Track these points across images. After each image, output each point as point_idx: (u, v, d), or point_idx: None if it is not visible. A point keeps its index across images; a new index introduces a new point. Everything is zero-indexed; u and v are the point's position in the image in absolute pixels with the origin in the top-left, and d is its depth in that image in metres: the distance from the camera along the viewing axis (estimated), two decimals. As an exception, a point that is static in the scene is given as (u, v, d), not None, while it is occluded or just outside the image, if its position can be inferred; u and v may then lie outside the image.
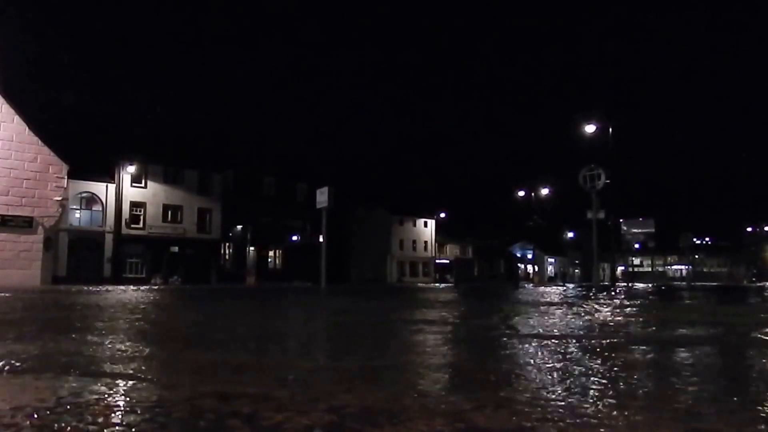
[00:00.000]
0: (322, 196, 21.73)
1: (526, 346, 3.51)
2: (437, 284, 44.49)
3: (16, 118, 25.46)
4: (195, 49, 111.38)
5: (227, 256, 44.28)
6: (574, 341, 3.73)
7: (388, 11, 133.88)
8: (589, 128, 24.49)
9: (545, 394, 2.02)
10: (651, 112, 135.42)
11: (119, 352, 3.09)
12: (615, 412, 1.75)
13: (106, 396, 1.96)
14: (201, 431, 1.53)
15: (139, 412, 1.73)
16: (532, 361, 2.87)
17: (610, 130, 25.03)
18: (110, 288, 20.16)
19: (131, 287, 21.91)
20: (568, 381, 2.27)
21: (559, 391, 2.06)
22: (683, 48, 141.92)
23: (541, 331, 4.36)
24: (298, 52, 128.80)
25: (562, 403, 1.86)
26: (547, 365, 2.69)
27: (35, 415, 1.66)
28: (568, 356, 3.04)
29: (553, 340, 3.70)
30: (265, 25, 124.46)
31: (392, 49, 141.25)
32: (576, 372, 2.49)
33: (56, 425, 1.56)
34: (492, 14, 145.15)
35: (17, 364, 2.62)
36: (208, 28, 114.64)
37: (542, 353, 3.14)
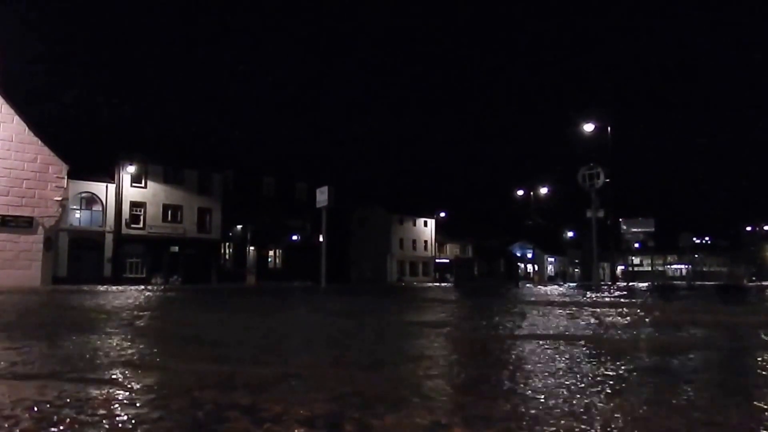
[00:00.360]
0: (322, 196, 21.76)
1: (525, 345, 3.53)
2: (437, 284, 44.50)
3: (16, 118, 25.44)
4: (195, 49, 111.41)
5: (227, 256, 44.28)
6: (572, 341, 3.74)
7: (388, 11, 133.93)
8: (588, 127, 24.53)
9: (544, 389, 2.03)
10: (651, 111, 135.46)
11: (121, 349, 3.10)
12: (608, 410, 1.76)
13: (107, 389, 1.97)
14: (200, 422, 1.54)
15: (138, 405, 1.74)
16: (530, 359, 2.88)
17: (609, 129, 25.07)
18: (111, 288, 20.17)
19: (132, 287, 21.92)
20: (565, 377, 2.28)
21: (557, 386, 2.07)
22: (683, 47, 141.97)
23: (538, 331, 4.37)
24: (298, 52, 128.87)
25: (559, 397, 1.87)
26: (545, 364, 2.71)
27: (35, 408, 1.67)
28: (564, 355, 3.05)
29: (550, 341, 3.71)
30: (265, 25, 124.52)
31: (392, 48, 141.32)
32: (572, 370, 2.50)
33: (55, 417, 1.57)
34: (492, 14, 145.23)
35: (23, 363, 2.63)
36: (209, 28, 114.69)
37: (540, 352, 3.15)
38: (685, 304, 9.62)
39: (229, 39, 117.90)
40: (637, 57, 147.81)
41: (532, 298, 10.61)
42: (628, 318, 5.61)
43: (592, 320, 5.27)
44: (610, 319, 5.40)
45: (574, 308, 7.08)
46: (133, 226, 38.95)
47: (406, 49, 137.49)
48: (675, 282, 51.80)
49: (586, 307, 7.29)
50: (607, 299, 9.98)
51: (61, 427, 1.48)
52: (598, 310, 6.76)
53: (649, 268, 75.39)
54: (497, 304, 8.62)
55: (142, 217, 39.52)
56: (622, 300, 9.73)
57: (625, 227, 34.05)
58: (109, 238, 37.79)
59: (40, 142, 26.03)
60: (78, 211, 37.18)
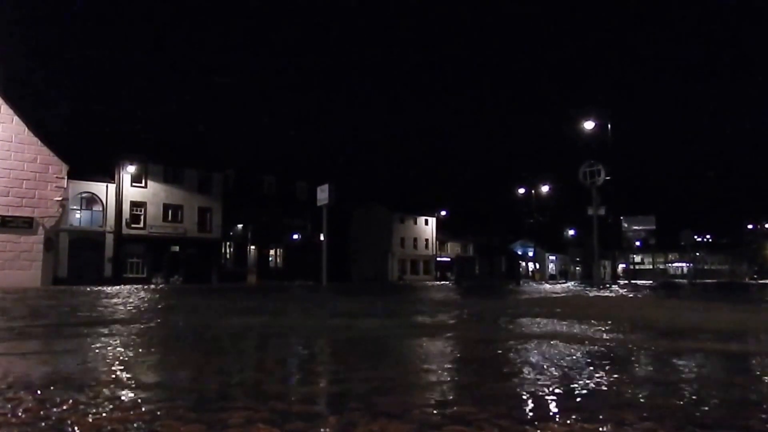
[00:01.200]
0: (322, 194, 21.73)
1: (522, 343, 3.55)
2: (438, 282, 44.51)
3: (15, 118, 25.42)
4: (195, 49, 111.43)
5: (228, 255, 44.27)
6: (569, 341, 3.76)
7: (387, 9, 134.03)
8: (589, 125, 24.50)
9: (541, 375, 2.05)
10: (651, 108, 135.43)
11: (128, 343, 3.11)
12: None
13: (117, 373, 1.97)
14: (204, 401, 1.54)
15: (148, 383, 1.74)
16: (527, 355, 2.90)
17: (609, 126, 25.07)
18: (113, 288, 20.19)
19: (133, 287, 21.93)
20: (556, 370, 2.30)
21: (549, 376, 2.08)
22: (683, 44, 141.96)
23: (534, 330, 4.38)
24: (297, 51, 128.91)
25: (551, 382, 1.89)
26: (540, 356, 2.73)
27: (38, 391, 1.67)
28: (559, 352, 3.07)
29: (546, 340, 3.72)
30: (265, 24, 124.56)
31: (392, 46, 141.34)
32: (564, 365, 2.51)
33: (59, 398, 1.57)
34: (491, 12, 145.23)
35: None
36: (208, 28, 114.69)
37: (534, 347, 3.18)
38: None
39: (229, 38, 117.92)
40: (638, 55, 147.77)
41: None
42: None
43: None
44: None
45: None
46: (133, 225, 38.94)
47: (407, 48, 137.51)
48: (676, 280, 51.80)
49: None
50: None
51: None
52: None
53: (651, 266, 75.41)
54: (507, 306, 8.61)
55: (142, 217, 39.52)
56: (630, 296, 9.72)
57: (626, 225, 34.03)
58: (109, 238, 37.77)
59: (39, 142, 26.00)
60: (78, 211, 37.17)
